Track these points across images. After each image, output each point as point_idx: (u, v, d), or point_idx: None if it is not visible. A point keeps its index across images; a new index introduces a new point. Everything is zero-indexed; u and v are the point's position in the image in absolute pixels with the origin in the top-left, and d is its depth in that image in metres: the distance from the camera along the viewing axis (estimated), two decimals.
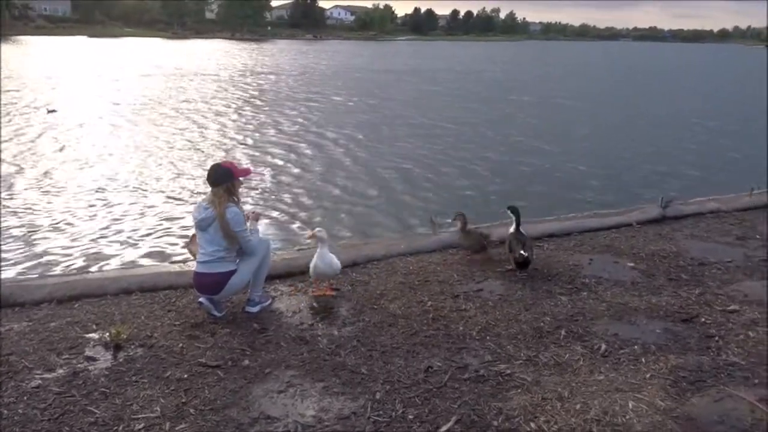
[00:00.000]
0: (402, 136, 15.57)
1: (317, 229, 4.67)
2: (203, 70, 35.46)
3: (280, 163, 12.20)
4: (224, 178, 4.15)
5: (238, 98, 23.07)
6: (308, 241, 4.65)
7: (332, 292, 4.71)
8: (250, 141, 14.64)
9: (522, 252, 5.00)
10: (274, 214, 8.71)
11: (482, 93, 27.11)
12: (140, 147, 13.35)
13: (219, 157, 12.42)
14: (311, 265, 4.56)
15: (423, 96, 25.49)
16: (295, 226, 8.24)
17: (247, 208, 6.54)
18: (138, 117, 17.54)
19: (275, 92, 25.72)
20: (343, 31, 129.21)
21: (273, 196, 9.66)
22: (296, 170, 11.67)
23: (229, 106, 20.61)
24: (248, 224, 4.36)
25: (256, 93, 25.16)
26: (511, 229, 5.16)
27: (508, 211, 5.22)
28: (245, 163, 11.95)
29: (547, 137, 15.82)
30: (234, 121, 17.64)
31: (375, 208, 9.29)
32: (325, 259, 4.51)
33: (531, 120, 19.11)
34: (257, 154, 13.13)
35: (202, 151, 13.11)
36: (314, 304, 4.51)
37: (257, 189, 9.98)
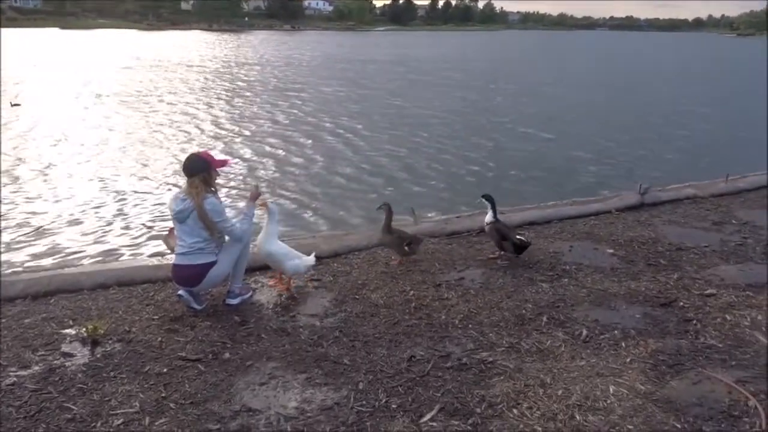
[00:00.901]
0: (395, 125, 15.55)
1: (271, 201, 4.49)
2: (186, 62, 34.91)
3: (264, 152, 12.08)
4: (200, 168, 4.09)
5: (227, 89, 22.74)
6: (258, 211, 4.41)
7: (284, 288, 4.57)
8: (246, 132, 14.47)
9: (519, 237, 5.04)
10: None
11: (469, 82, 27.07)
12: (124, 140, 13.16)
13: (211, 149, 12.26)
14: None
15: (411, 85, 25.39)
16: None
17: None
18: (123, 110, 17.24)
19: (263, 83, 25.40)
20: (322, 22, 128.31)
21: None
22: (296, 160, 11.65)
23: (220, 98, 20.37)
24: (244, 204, 4.30)
25: (244, 84, 24.82)
26: (490, 218, 5.14)
27: (483, 200, 5.20)
28: (243, 154, 11.90)
29: (537, 125, 15.91)
30: (226, 112, 17.40)
31: (356, 199, 9.25)
32: (265, 239, 4.37)
33: (519, 108, 19.19)
34: (252, 144, 13.01)
35: (189, 143, 12.96)
36: (295, 295, 4.48)
37: (235, 180, 9.89)
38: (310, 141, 13.51)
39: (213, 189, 4.17)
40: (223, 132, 14.43)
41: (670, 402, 3.15)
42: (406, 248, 4.99)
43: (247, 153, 12.24)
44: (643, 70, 34.35)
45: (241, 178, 10.26)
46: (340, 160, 11.81)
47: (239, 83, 24.86)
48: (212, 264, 4.11)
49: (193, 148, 12.16)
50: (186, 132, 14.23)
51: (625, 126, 16.03)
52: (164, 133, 14.07)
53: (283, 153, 12.26)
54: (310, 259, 4.60)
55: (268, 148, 12.65)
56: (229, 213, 4.40)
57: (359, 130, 14.89)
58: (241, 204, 8.06)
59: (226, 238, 4.26)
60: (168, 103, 18.83)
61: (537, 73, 31.60)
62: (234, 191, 9.33)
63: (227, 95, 21.04)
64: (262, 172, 10.74)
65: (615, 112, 18.58)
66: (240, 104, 19.01)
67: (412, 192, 9.72)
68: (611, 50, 53.32)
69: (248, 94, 21.74)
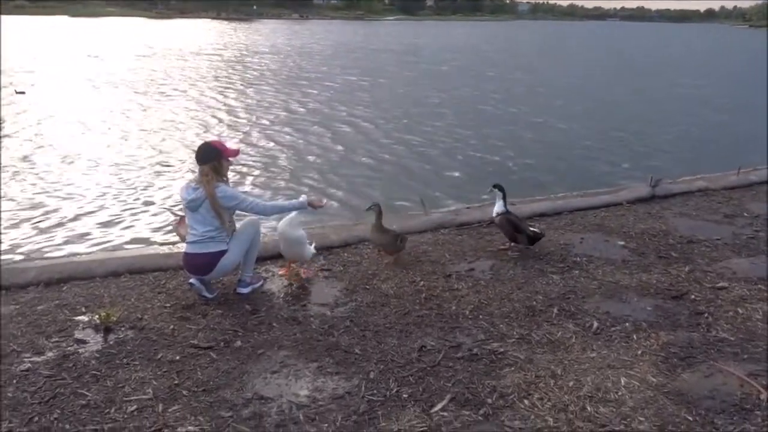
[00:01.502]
0: (411, 114, 15.50)
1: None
2: (200, 51, 34.72)
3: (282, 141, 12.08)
4: (211, 157, 4.10)
5: (242, 78, 22.50)
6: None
7: (297, 278, 4.58)
8: (264, 121, 14.42)
9: (532, 228, 5.06)
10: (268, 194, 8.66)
11: (483, 71, 26.79)
12: (140, 128, 13.15)
13: (231, 138, 12.28)
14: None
15: (425, 75, 25.14)
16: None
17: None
18: (139, 98, 17.16)
19: (278, 72, 25.14)
20: (330, 11, 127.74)
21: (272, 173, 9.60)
22: (313, 149, 11.67)
23: (236, 87, 20.19)
24: (304, 201, 4.31)
25: (267, 72, 24.61)
26: (500, 209, 5.09)
27: (495, 189, 5.15)
28: (262, 143, 11.94)
29: (552, 114, 15.83)
30: (242, 101, 17.29)
31: (373, 186, 9.26)
32: (289, 223, 4.39)
33: (534, 97, 19.09)
34: (270, 133, 13.02)
35: (207, 132, 12.92)
36: (306, 285, 4.49)
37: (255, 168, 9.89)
38: (327, 130, 13.44)
39: (225, 178, 4.18)
40: (242, 120, 14.37)
41: (682, 394, 3.14)
42: (399, 243, 4.90)
43: (265, 142, 12.21)
44: (656, 61, 33.93)
45: (262, 166, 10.28)
46: (356, 148, 11.79)
47: (253, 72, 24.71)
48: (223, 252, 4.13)
49: (210, 137, 12.17)
50: (202, 121, 14.20)
51: (638, 116, 15.88)
52: (181, 121, 14.04)
53: (301, 142, 12.25)
54: (312, 249, 4.65)
55: (287, 137, 12.63)
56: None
57: (374, 119, 14.83)
58: (279, 198, 8.14)
59: (237, 225, 4.27)
60: (183, 92, 18.79)
61: (551, 63, 31.33)
62: (260, 179, 9.40)
63: (242, 84, 20.88)
64: (281, 162, 10.67)
65: (628, 103, 18.41)
66: (256, 93, 18.90)
67: (428, 181, 9.70)
68: (623, 40, 52.83)
69: (263, 83, 21.57)
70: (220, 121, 14.45)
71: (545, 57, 36.15)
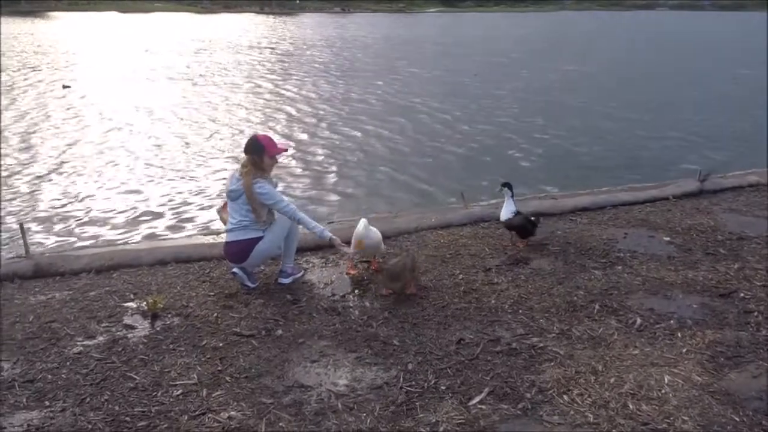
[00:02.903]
0: (476, 106, 15.31)
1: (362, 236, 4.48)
2: (256, 44, 34.95)
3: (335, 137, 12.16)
4: (252, 149, 4.18)
5: (306, 71, 22.40)
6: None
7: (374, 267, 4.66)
8: (342, 112, 14.44)
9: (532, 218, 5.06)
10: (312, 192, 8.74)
11: (548, 65, 26.22)
12: (215, 118, 13.37)
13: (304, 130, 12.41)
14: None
15: (482, 66, 24.80)
16: (331, 199, 8.23)
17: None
18: (204, 91, 17.38)
19: (340, 65, 24.97)
20: (372, 4, 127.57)
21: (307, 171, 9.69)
22: (387, 136, 11.70)
23: (303, 79, 20.19)
24: (331, 238, 4.32)
25: (331, 65, 24.53)
26: (513, 209, 4.97)
27: (505, 189, 5.01)
28: (334, 135, 11.97)
29: (626, 104, 15.43)
30: (315, 93, 17.30)
31: (444, 176, 9.26)
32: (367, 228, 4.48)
33: (600, 89, 18.62)
34: (345, 124, 13.02)
35: (274, 123, 13.06)
36: (345, 276, 4.54)
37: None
38: (408, 121, 13.42)
39: (267, 175, 4.24)
40: (321, 112, 14.46)
41: (729, 394, 3.06)
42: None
43: (341, 132, 12.27)
44: (716, 52, 32.57)
45: (358, 155, 10.44)
46: (433, 138, 11.77)
47: (316, 65, 24.62)
48: (258, 239, 4.21)
49: (277, 128, 12.45)
50: (278, 113, 14.23)
51: (698, 108, 15.32)
52: (253, 114, 14.16)
53: (375, 131, 12.28)
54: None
55: (368, 127, 12.68)
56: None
57: (451, 110, 14.68)
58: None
59: (276, 215, 4.32)
60: (250, 83, 18.99)
61: (610, 53, 30.50)
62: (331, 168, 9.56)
63: (308, 77, 20.80)
64: (350, 154, 10.70)
65: (686, 96, 17.79)
66: (325, 85, 18.89)
67: (495, 171, 9.59)
68: (678, 31, 50.92)
69: (329, 75, 21.49)
70: (299, 112, 14.45)
71: (607, 47, 35.22)
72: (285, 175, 9.08)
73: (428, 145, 11.26)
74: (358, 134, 12.14)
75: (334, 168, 9.69)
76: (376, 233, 4.51)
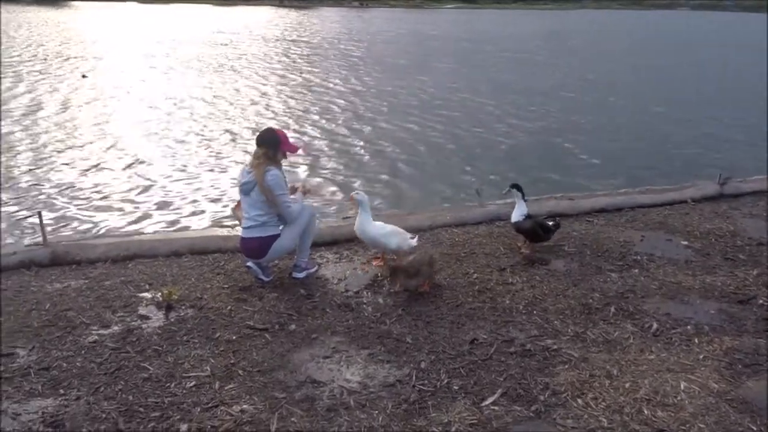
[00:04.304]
0: (510, 102, 15.18)
1: (355, 192, 4.60)
2: (286, 37, 34.79)
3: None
4: (268, 141, 4.18)
5: (345, 65, 22.26)
6: (350, 211, 4.56)
7: (377, 262, 4.67)
8: (389, 106, 14.35)
9: (549, 222, 4.96)
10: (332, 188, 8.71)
11: (575, 63, 25.96)
12: (258, 112, 13.31)
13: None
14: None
15: (526, 63, 24.53)
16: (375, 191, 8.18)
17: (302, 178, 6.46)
18: (237, 83, 17.25)
19: (379, 59, 24.69)
20: None
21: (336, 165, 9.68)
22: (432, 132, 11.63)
23: (346, 72, 20.08)
24: (297, 195, 4.38)
25: (367, 59, 24.24)
26: (524, 211, 4.86)
27: (513, 190, 4.91)
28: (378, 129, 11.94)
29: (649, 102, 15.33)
30: (361, 86, 17.23)
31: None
32: (361, 225, 4.48)
33: (636, 86, 18.57)
34: (390, 118, 12.94)
35: (332, 117, 12.96)
36: (358, 272, 4.53)
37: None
38: (461, 115, 13.41)
39: (278, 165, 4.23)
40: (368, 104, 14.42)
41: (746, 403, 3.02)
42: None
43: (385, 126, 12.24)
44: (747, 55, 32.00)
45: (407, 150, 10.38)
46: (476, 134, 11.75)
47: (353, 59, 24.40)
48: (275, 236, 4.21)
49: (322, 122, 12.35)
50: (325, 108, 14.05)
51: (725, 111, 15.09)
52: (302, 105, 14.13)
53: (417, 128, 12.21)
54: (412, 241, 4.56)
55: (410, 123, 12.63)
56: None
57: (503, 105, 14.65)
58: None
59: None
60: (292, 74, 18.97)
61: (637, 54, 30.12)
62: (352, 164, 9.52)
63: (345, 70, 20.65)
64: (391, 150, 10.61)
65: (714, 99, 17.53)
66: (367, 79, 18.80)
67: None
68: (703, 32, 50.13)
69: (368, 68, 21.32)
70: (349, 104, 14.40)
71: (630, 45, 34.81)
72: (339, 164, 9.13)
73: (477, 138, 11.26)
74: (414, 127, 12.14)
75: (386, 158, 9.79)
76: (374, 229, 4.46)
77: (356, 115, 13.32)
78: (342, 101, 14.82)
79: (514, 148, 10.66)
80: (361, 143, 10.76)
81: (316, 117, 12.90)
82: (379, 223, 4.55)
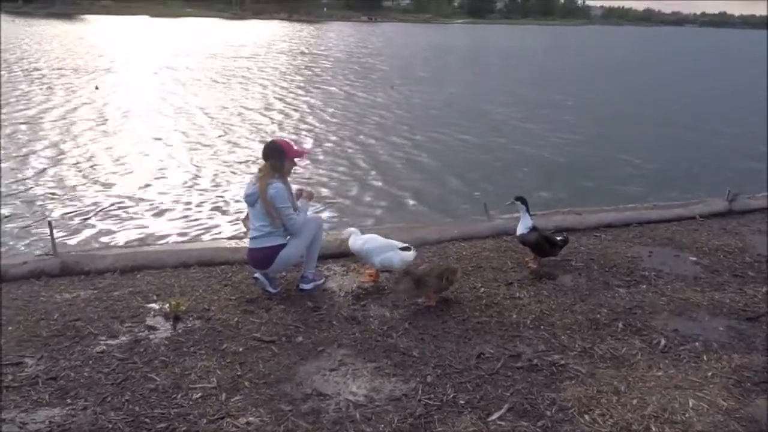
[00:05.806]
0: (529, 116, 15.50)
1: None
2: (306, 50, 35.04)
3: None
4: (272, 154, 4.21)
5: (372, 79, 22.54)
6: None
7: (368, 279, 4.61)
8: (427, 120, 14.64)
9: (558, 237, 4.94)
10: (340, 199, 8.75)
11: (589, 77, 26.09)
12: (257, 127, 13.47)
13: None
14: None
15: (545, 77, 24.71)
16: (359, 207, 8.22)
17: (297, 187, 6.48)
18: (276, 95, 17.64)
19: (406, 72, 25.10)
20: (398, 14, 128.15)
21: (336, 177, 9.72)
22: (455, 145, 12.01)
23: (375, 84, 20.52)
24: (299, 202, 4.40)
25: (392, 73, 24.51)
26: (529, 224, 4.76)
27: (518, 203, 4.83)
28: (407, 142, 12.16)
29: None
30: (393, 101, 17.46)
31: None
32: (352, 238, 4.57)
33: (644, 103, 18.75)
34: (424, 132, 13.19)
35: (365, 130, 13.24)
36: (366, 285, 4.54)
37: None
38: (489, 127, 13.76)
39: (283, 177, 4.27)
40: (400, 116, 14.74)
41: (755, 421, 2.99)
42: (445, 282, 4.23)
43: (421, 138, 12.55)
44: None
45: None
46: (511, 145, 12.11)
47: (380, 73, 24.74)
48: (281, 246, 4.22)
49: (360, 136, 12.57)
50: (358, 121, 14.30)
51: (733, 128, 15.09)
52: (337, 118, 14.46)
53: (444, 138, 12.52)
54: (408, 255, 4.47)
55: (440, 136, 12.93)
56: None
57: (532, 118, 15.04)
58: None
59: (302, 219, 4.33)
60: (319, 88, 19.35)
61: (646, 72, 30.22)
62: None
63: (370, 83, 21.07)
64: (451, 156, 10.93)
65: (722, 115, 17.51)
66: (405, 92, 19.16)
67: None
68: (714, 49, 50.18)
69: (396, 81, 21.62)
70: (382, 118, 14.71)
71: (641, 63, 34.97)
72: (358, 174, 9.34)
73: (499, 154, 11.54)
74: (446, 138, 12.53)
75: (411, 171, 10.10)
76: (365, 243, 4.46)
77: (384, 126, 13.65)
78: (374, 113, 15.20)
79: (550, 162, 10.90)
80: (400, 154, 11.14)
81: (351, 129, 13.27)
82: (369, 236, 4.56)
